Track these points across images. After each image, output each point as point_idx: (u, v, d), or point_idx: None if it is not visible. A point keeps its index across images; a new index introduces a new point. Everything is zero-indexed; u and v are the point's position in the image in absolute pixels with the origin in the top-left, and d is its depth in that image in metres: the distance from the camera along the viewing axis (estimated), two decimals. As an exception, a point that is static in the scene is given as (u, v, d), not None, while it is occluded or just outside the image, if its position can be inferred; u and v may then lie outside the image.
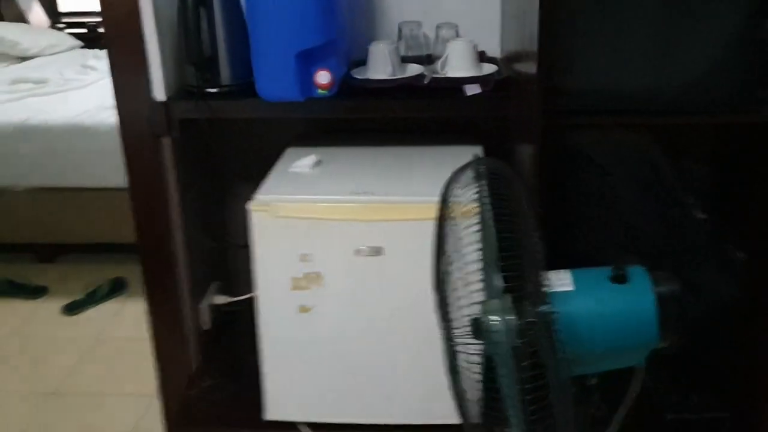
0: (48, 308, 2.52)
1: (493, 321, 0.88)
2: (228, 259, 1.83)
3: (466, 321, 0.93)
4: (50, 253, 2.81)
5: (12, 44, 3.51)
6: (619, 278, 0.88)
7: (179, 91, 1.50)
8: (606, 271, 0.89)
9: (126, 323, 2.43)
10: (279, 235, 1.33)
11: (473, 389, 0.99)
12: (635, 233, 1.24)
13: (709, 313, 1.29)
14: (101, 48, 3.70)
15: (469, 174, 0.93)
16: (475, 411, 1.01)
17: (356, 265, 1.32)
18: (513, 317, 0.86)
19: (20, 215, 2.75)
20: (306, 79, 1.41)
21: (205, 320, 1.71)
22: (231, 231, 1.79)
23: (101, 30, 3.67)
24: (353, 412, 1.43)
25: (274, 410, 1.46)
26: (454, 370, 0.98)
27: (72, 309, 2.49)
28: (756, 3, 1.27)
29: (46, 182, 2.67)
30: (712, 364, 1.50)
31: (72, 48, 3.88)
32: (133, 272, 2.51)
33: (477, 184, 0.92)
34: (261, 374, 1.44)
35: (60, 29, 4.27)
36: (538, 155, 1.21)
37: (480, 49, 1.55)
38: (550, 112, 1.22)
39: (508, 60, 1.52)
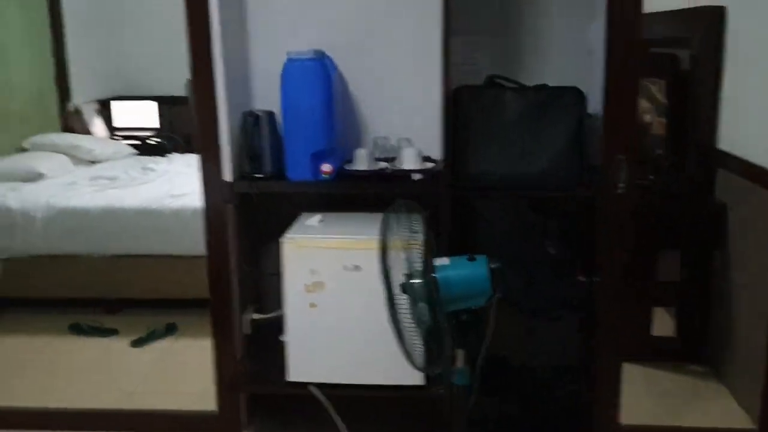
0: (120, 344, 3.38)
1: (412, 282, 1.76)
2: (262, 286, 2.70)
3: (399, 287, 1.81)
4: (117, 305, 3.68)
5: (88, 151, 4.53)
6: (472, 259, 1.77)
7: (239, 175, 2.44)
8: (465, 257, 1.79)
9: (177, 353, 3.28)
10: (298, 258, 2.23)
11: (408, 333, 1.85)
12: (508, 259, 2.14)
13: (554, 305, 2.18)
14: (156, 155, 4.75)
15: (397, 214, 1.83)
16: (411, 349, 1.86)
17: (345, 276, 2.21)
18: (420, 280, 1.75)
19: (97, 276, 3.64)
20: (316, 169, 2.34)
21: (247, 327, 2.57)
22: (264, 264, 2.67)
23: (153, 141, 4.74)
24: (346, 375, 2.28)
25: (294, 374, 2.31)
26: (396, 321, 1.84)
27: (138, 343, 3.35)
28: (583, 112, 2.22)
29: (118, 251, 3.59)
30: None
31: (129, 155, 4.90)
32: (181, 319, 3.46)
33: (400, 221, 1.82)
34: (284, 350, 2.30)
35: (116, 139, 5.32)
36: (448, 210, 2.13)
37: (425, 153, 2.49)
38: (455, 186, 2.16)
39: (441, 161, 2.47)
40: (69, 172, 4.22)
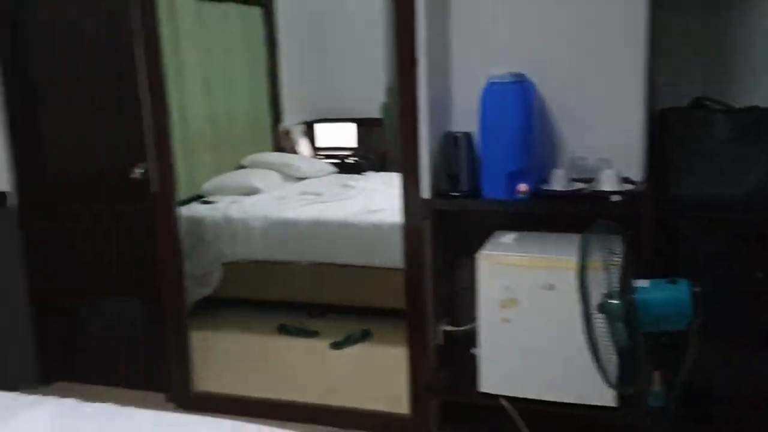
0: (320, 345, 3.66)
1: (610, 302, 1.78)
2: (455, 299, 2.82)
3: (596, 307, 1.83)
4: (320, 310, 3.99)
5: (296, 168, 4.94)
6: (673, 282, 1.75)
7: (436, 192, 2.58)
8: (666, 279, 1.77)
9: (371, 357, 3.49)
10: (493, 274, 2.32)
11: (604, 352, 1.86)
12: (712, 283, 2.08)
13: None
14: (354, 173, 5.06)
15: (596, 234, 1.86)
16: (606, 367, 1.87)
17: (539, 294, 2.27)
18: (618, 300, 1.76)
19: (304, 282, 3.97)
20: (512, 188, 2.42)
21: (439, 338, 2.70)
22: (458, 279, 2.79)
23: (352, 160, 5.03)
24: (537, 390, 2.33)
25: (485, 385, 2.39)
26: (591, 340, 1.86)
27: (337, 346, 3.61)
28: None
29: (321, 259, 3.90)
30: None
31: (330, 173, 5.26)
32: (376, 326, 3.66)
33: (599, 241, 1.85)
34: (475, 361, 2.40)
35: (319, 158, 5.72)
36: (649, 232, 2.12)
37: (624, 174, 2.47)
38: (657, 208, 2.13)
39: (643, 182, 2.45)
40: (280, 187, 4.65)
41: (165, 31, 3.94)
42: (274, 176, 4.75)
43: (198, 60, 4.45)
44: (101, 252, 3.19)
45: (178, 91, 4.24)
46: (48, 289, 3.26)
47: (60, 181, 3.17)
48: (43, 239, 3.21)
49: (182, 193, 4.31)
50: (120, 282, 3.19)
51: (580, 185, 2.48)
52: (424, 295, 2.62)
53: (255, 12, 5.11)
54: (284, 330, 3.82)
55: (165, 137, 2.92)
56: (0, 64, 3.06)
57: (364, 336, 3.69)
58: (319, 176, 5.08)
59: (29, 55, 3.12)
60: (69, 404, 1.75)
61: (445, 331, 2.73)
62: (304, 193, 4.43)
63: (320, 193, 4.41)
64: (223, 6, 4.71)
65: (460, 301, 2.75)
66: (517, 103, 2.40)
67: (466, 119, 2.62)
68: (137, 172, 2.94)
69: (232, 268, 4.04)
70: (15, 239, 3.14)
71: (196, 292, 4.03)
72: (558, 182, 2.48)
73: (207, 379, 3.15)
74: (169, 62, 4.10)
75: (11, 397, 1.82)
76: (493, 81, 2.41)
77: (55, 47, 3.11)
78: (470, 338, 2.50)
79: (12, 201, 3.12)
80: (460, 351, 2.62)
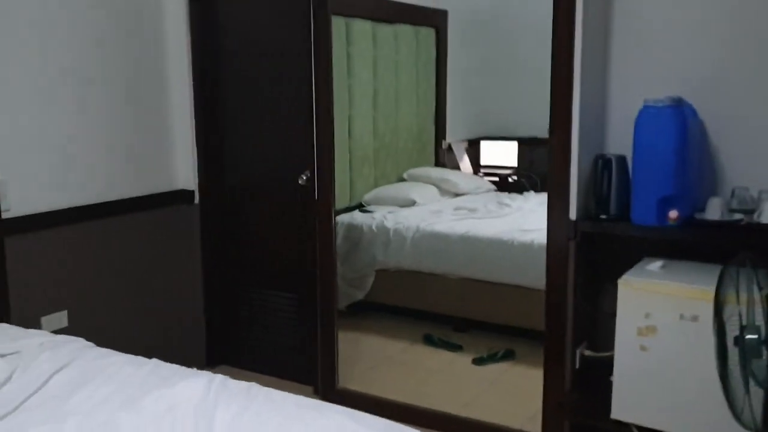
0: (462, 359, 3.73)
1: (749, 337, 1.70)
2: (596, 324, 2.77)
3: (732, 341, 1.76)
4: (465, 325, 4.05)
5: (454, 184, 5.04)
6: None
7: (583, 214, 2.57)
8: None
9: (512, 376, 3.50)
10: (633, 300, 2.27)
11: (739, 388, 1.78)
12: None
13: None
14: (513, 192, 5.07)
15: (740, 267, 1.78)
16: (739, 405, 1.79)
17: (680, 324, 2.19)
18: (756, 335, 1.68)
19: (451, 295, 4.06)
20: (662, 214, 2.35)
21: (577, 362, 2.67)
22: (601, 303, 2.74)
23: (512, 179, 5.03)
24: (670, 422, 2.24)
25: (618, 412, 2.34)
26: (725, 375, 1.79)
27: (479, 362, 3.66)
28: None
29: (470, 275, 3.96)
30: None
31: (488, 190, 5.30)
32: (520, 346, 3.65)
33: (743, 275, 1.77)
34: (612, 389, 2.35)
35: (479, 176, 5.77)
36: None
37: (790, 207, 2.32)
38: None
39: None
40: (436, 200, 4.78)
41: (340, 51, 4.26)
42: (432, 190, 4.89)
43: (369, 78, 4.71)
44: (267, 249, 3.49)
45: (349, 107, 4.52)
46: (219, 280, 3.61)
47: (237, 183, 3.51)
48: (219, 235, 3.57)
49: (345, 201, 4.59)
50: (282, 278, 3.47)
51: (738, 216, 2.36)
52: (564, 317, 2.60)
53: (427, 33, 5.30)
54: (429, 340, 3.93)
55: (327, 149, 3.15)
56: (192, 80, 3.45)
57: (507, 355, 3.70)
58: (477, 193, 5.15)
59: (218, 69, 3.50)
60: (220, 378, 1.96)
61: (583, 355, 2.70)
62: (459, 208, 4.52)
63: (475, 209, 4.48)
64: (398, 27, 4.94)
65: (602, 326, 2.70)
66: (673, 128, 2.33)
67: (620, 142, 2.59)
68: (303, 178, 3.19)
69: (385, 275, 4.21)
70: (196, 233, 3.52)
71: (349, 294, 4.26)
72: (714, 211, 2.37)
73: (351, 377, 3.33)
74: (342, 80, 4.44)
75: (174, 369, 2.08)
76: (648, 104, 2.36)
77: (239, 60, 3.46)
78: (609, 365, 2.45)
79: (196, 199, 3.49)
80: (598, 377, 2.57)
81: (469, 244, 3.96)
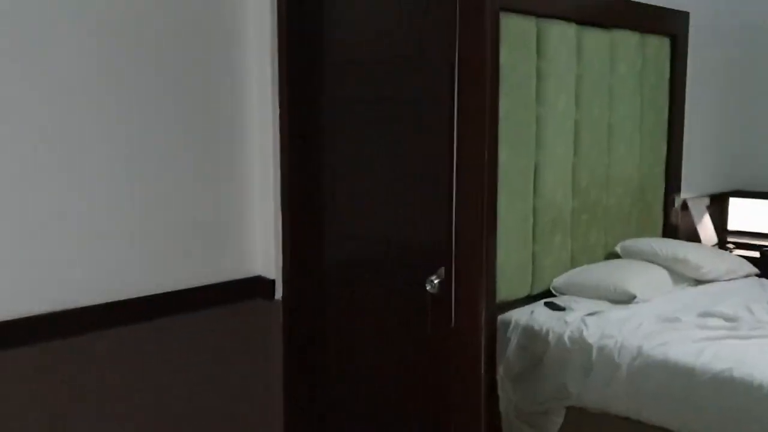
0: None
1: None
2: None
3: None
4: None
5: (694, 267, 3.36)
6: None
7: None
8: None
9: None
10: None
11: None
12: None
13: None
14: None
15: None
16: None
17: None
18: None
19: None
20: None
21: None
22: None
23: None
24: None
25: None
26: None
27: None
28: None
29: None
30: None
31: (747, 275, 3.55)
32: None
33: None
34: None
35: (729, 250, 4.03)
36: None
37: None
38: None
39: None
40: (667, 292, 3.14)
41: (524, 66, 2.84)
42: (660, 276, 3.25)
43: (569, 107, 3.23)
44: (381, 375, 2.13)
45: (535, 151, 3.07)
46: (307, 418, 2.31)
47: (338, 272, 2.21)
48: (308, 347, 2.28)
49: (524, 287, 3.11)
50: (392, 410, 2.08)
51: None
52: None
53: (659, 43, 3.70)
54: None
55: (479, 231, 1.74)
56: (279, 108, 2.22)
57: None
58: (730, 279, 3.41)
59: (316, 96, 2.24)
60: None
61: None
62: (708, 314, 2.85)
63: (736, 318, 2.79)
64: (615, 34, 3.41)
65: None
66: None
67: None
68: (434, 283, 1.81)
69: (581, 417, 2.67)
70: (275, 343, 2.26)
71: (521, 437, 2.78)
72: None
73: None
74: (526, 109, 3.01)
75: None
76: None
77: (348, 84, 2.17)
78: None
79: (278, 293, 2.25)
80: None
81: (733, 390, 2.31)
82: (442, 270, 1.77)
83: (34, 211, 1.80)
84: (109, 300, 1.91)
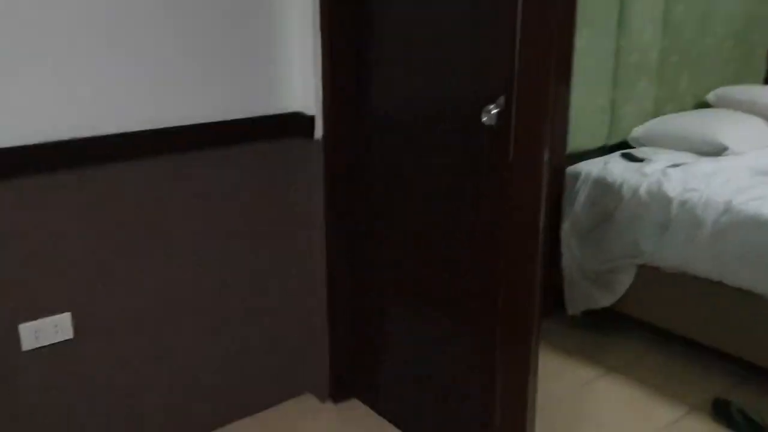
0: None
1: None
2: None
3: None
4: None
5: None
6: None
7: None
8: None
9: None
10: None
11: None
12: None
13: None
14: None
15: None
16: None
17: None
18: None
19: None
20: None
21: None
22: None
23: None
24: None
25: None
26: None
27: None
28: None
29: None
30: None
31: None
32: None
33: None
34: None
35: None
36: None
37: None
38: None
39: None
40: (764, 147, 2.77)
41: None
42: (757, 127, 2.87)
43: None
44: (429, 230, 1.92)
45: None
46: (352, 273, 2.16)
47: (384, 110, 1.95)
48: (351, 196, 2.08)
49: (599, 137, 2.80)
50: (448, 277, 1.89)
51: None
52: None
53: None
54: (721, 411, 2.14)
55: (547, 52, 1.44)
56: None
57: None
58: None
59: None
60: None
61: None
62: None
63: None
64: None
65: None
66: None
67: None
68: (491, 113, 1.54)
69: (652, 276, 2.44)
70: (315, 186, 2.07)
71: (587, 296, 2.60)
72: None
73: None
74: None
75: None
76: None
77: None
78: None
79: (318, 132, 2.02)
80: None
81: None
82: (502, 99, 1.49)
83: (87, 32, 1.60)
84: (145, 128, 1.74)
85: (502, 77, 1.50)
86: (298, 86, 1.99)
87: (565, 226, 2.62)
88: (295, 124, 2.01)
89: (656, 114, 2.94)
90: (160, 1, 1.73)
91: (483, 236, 1.68)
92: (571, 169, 2.66)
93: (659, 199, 2.38)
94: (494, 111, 1.51)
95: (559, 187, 2.64)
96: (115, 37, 1.69)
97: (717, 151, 2.65)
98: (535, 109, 1.44)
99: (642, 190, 2.44)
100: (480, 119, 1.54)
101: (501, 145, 1.52)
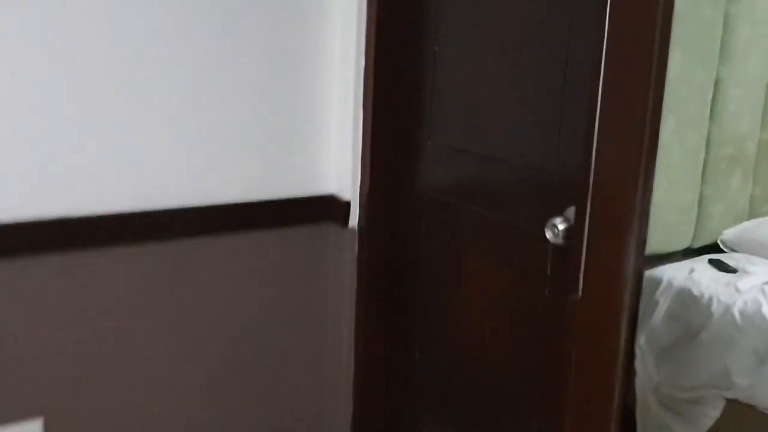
0: None
1: None
2: None
3: None
4: None
5: None
6: None
7: None
8: None
9: None
10: None
11: None
12: None
13: None
14: None
15: None
16: None
17: None
18: None
19: None
20: None
21: None
22: None
23: None
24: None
25: None
26: None
27: None
28: None
29: None
30: None
31: None
32: None
33: None
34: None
35: None
36: None
37: None
38: None
39: None
40: None
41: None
42: None
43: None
44: (477, 339, 1.60)
45: (718, 63, 2.35)
46: (382, 379, 1.84)
47: (431, 198, 1.66)
48: (388, 291, 1.78)
49: (685, 237, 2.45)
50: (497, 395, 1.55)
51: None
52: None
53: None
54: None
55: (645, 155, 1.13)
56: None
57: None
58: None
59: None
60: None
61: None
62: None
63: None
64: None
65: None
66: None
67: None
68: (557, 229, 1.22)
69: (743, 413, 2.03)
70: (348, 281, 1.78)
71: (659, 426, 2.20)
72: None
73: None
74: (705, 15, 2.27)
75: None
76: None
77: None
78: None
79: (354, 219, 1.74)
80: None
81: None
82: (572, 210, 1.18)
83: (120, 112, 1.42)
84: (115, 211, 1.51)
85: (572, 186, 1.19)
86: (333, 166, 1.73)
87: (641, 341, 2.25)
88: (328, 208, 1.74)
89: (752, 215, 2.57)
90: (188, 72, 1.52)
91: (542, 369, 1.36)
92: (649, 273, 2.31)
93: (757, 323, 1.99)
94: (562, 226, 1.20)
95: (635, 293, 2.28)
96: (141, 111, 1.48)
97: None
98: (616, 228, 1.13)
99: (735, 309, 2.05)
100: (543, 231, 1.24)
101: (568, 270, 1.21)
